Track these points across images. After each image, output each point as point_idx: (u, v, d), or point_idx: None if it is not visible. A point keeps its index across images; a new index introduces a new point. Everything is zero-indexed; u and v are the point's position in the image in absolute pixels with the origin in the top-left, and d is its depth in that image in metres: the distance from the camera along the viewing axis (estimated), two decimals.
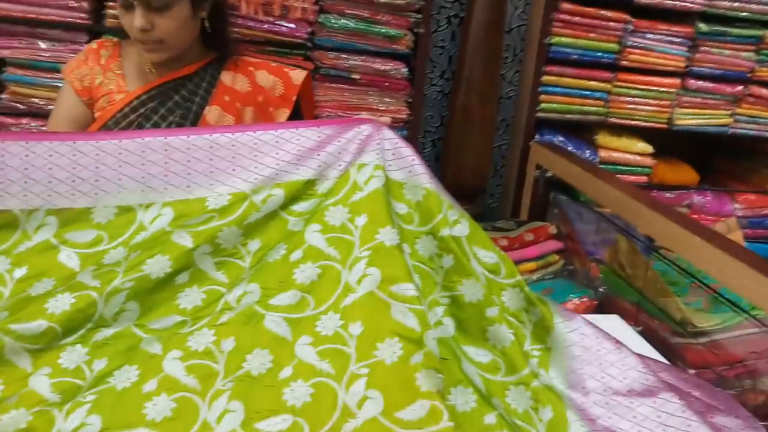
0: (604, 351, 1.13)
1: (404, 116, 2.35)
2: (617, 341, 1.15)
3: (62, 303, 1.02)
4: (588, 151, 2.60)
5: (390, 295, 1.03)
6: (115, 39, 1.50)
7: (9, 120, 2.15)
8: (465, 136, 2.40)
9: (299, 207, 1.16)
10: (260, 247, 1.13)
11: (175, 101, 1.40)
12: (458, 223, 1.18)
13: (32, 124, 2.16)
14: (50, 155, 1.11)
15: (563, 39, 2.42)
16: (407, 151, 1.21)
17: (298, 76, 1.52)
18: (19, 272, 1.08)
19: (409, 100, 2.34)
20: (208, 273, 1.10)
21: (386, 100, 2.33)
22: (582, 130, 2.69)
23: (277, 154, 1.17)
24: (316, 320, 1.04)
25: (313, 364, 0.99)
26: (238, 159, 1.16)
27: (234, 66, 1.49)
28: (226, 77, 1.47)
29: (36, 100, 2.14)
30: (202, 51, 1.48)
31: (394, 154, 1.21)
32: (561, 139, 2.58)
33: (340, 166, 1.19)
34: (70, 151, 1.12)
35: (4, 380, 0.96)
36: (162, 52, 1.36)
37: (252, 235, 1.14)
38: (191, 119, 1.40)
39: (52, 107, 2.15)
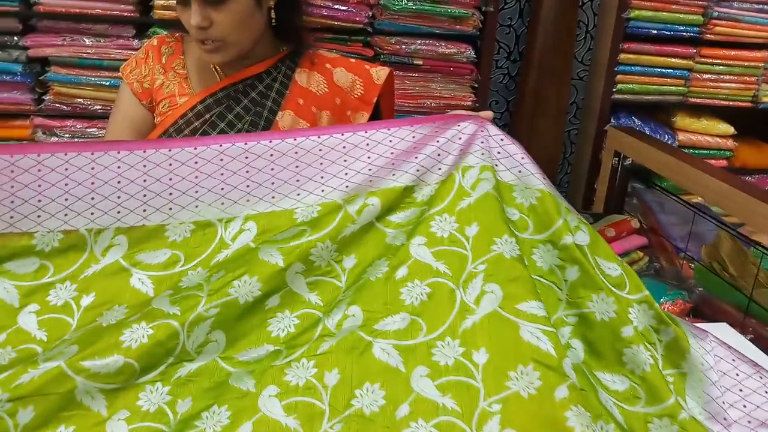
0: (742, 375, 1.01)
1: (469, 103, 2.20)
2: (755, 364, 1.02)
3: (139, 335, 0.90)
4: (666, 134, 2.42)
5: (517, 315, 0.91)
6: (177, 34, 1.35)
7: (53, 123, 2.05)
8: (537, 122, 2.24)
9: (397, 217, 1.03)
10: (356, 263, 1.01)
11: (244, 106, 1.25)
12: (579, 230, 1.04)
13: (77, 126, 2.06)
14: (118, 167, 1.00)
15: (643, 12, 2.24)
16: (515, 149, 1.08)
17: (379, 74, 1.34)
18: (87, 299, 0.96)
19: (475, 85, 2.19)
20: (301, 295, 0.98)
21: (450, 86, 2.18)
22: (657, 112, 2.51)
23: (368, 158, 1.05)
24: (431, 347, 0.91)
25: (434, 399, 0.87)
26: (327, 165, 1.04)
27: (309, 63, 1.32)
28: (300, 77, 1.30)
29: (81, 101, 2.05)
30: (273, 45, 1.30)
31: (500, 153, 1.08)
32: (637, 122, 2.40)
33: (440, 169, 1.06)
34: (141, 162, 1.00)
35: (77, 427, 0.85)
36: (224, 53, 1.19)
37: (347, 251, 1.01)
38: (262, 126, 1.25)
39: (97, 108, 2.07)
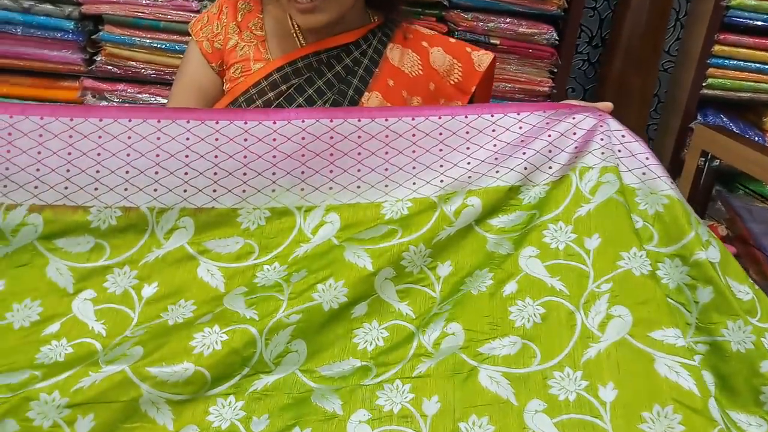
0: None
1: (546, 89, 2.05)
2: None
3: (212, 340, 0.79)
4: (756, 136, 2.25)
5: (650, 345, 0.79)
6: None
7: (104, 86, 1.95)
8: (618, 113, 2.07)
9: (500, 221, 0.91)
10: (453, 271, 0.89)
11: (326, 80, 1.10)
12: (710, 245, 0.90)
13: (128, 90, 1.96)
14: (187, 138, 0.89)
15: (746, 1, 2.05)
16: (638, 147, 0.94)
17: (482, 60, 1.17)
18: (149, 290, 0.86)
19: (554, 69, 2.03)
20: (391, 304, 0.87)
21: (527, 69, 2.03)
22: (745, 112, 2.33)
23: (468, 149, 0.92)
24: (547, 378, 0.79)
25: None
26: (420, 154, 0.92)
27: (403, 38, 1.16)
28: (393, 53, 1.15)
29: (133, 64, 1.94)
30: (363, 13, 1.16)
31: (621, 152, 0.94)
32: (725, 120, 2.23)
33: (551, 168, 0.93)
34: (212, 134, 0.89)
35: None
36: (321, 14, 1.03)
37: (442, 256, 0.90)
38: (346, 106, 1.11)
39: (150, 72, 1.96)
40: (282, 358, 0.81)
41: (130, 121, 0.88)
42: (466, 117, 0.93)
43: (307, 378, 0.81)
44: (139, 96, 1.98)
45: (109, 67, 1.94)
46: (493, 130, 0.92)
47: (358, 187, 0.90)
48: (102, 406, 0.74)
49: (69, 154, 0.87)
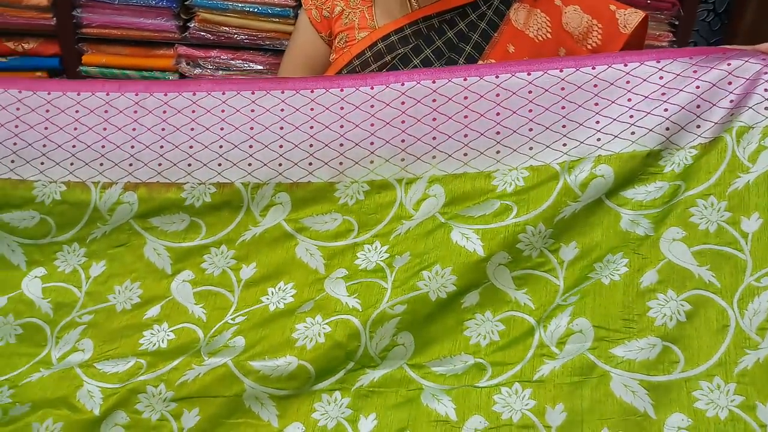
0: None
1: (665, 43, 1.89)
2: None
3: (314, 332, 0.75)
4: None
5: None
6: None
7: (197, 52, 1.94)
8: None
9: (637, 193, 0.80)
10: (579, 255, 0.79)
11: (436, 48, 1.00)
12: None
13: (222, 57, 1.95)
14: (282, 110, 0.84)
15: None
16: None
17: (629, 19, 1.00)
18: (248, 271, 0.83)
19: (675, 22, 1.86)
20: (506, 293, 0.79)
21: None
22: None
23: (596, 105, 0.81)
24: (692, 389, 0.70)
25: None
26: (538, 113, 0.82)
27: None
28: (517, 14, 1.02)
29: (226, 29, 1.91)
30: None
31: None
32: None
33: (699, 127, 0.79)
34: (307, 104, 0.84)
35: None
36: None
37: (566, 237, 0.80)
38: None
39: (242, 37, 1.94)
40: (388, 351, 0.76)
41: (223, 93, 0.85)
42: (593, 68, 0.81)
43: (415, 373, 0.75)
44: (233, 62, 1.96)
45: (203, 34, 1.92)
46: (627, 82, 0.80)
47: (465, 154, 0.82)
48: (206, 400, 0.73)
49: (162, 129, 0.85)
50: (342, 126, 0.84)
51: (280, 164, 0.84)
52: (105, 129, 0.85)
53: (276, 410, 0.74)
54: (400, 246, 0.81)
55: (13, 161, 0.85)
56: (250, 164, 0.84)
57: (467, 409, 0.72)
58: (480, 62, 1.00)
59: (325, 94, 0.84)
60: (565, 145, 0.81)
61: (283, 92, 0.85)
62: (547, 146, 0.81)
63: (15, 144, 0.85)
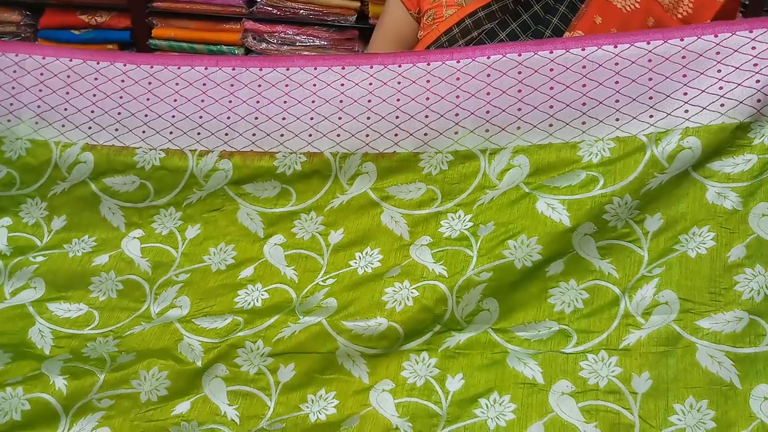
0: None
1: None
2: None
3: (402, 296, 0.79)
4: None
5: None
6: None
7: (264, 27, 2.00)
8: None
9: (723, 166, 0.80)
10: (663, 226, 0.80)
11: (522, 22, 1.02)
12: None
13: (287, 32, 1.99)
14: (370, 83, 0.88)
15: None
16: None
17: None
18: (336, 236, 0.87)
19: None
20: (591, 262, 0.81)
21: None
22: None
23: (683, 77, 0.81)
24: None
25: None
26: (625, 85, 0.82)
27: None
28: None
29: (291, 5, 1.96)
30: None
31: None
32: None
33: None
34: (394, 78, 0.87)
35: (338, 392, 0.77)
36: None
37: (651, 208, 0.81)
38: None
39: (308, 13, 1.98)
40: (474, 316, 0.80)
41: (315, 69, 0.89)
42: (681, 40, 0.81)
43: (500, 337, 0.79)
44: (297, 38, 2.00)
45: (269, 9, 1.97)
46: (717, 53, 0.80)
47: (550, 125, 0.84)
48: (302, 356, 0.77)
49: (257, 102, 0.89)
50: (428, 98, 0.86)
51: (366, 135, 0.87)
52: (203, 101, 0.90)
53: (366, 368, 0.78)
54: (483, 215, 0.83)
55: (116, 129, 0.91)
56: (338, 135, 0.88)
57: (554, 373, 0.75)
58: (566, 34, 1.01)
59: (412, 68, 0.87)
60: (651, 116, 0.82)
61: (371, 67, 0.88)
62: (634, 117, 0.82)
63: (119, 114, 0.91)
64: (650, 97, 0.81)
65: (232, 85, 0.90)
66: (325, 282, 0.83)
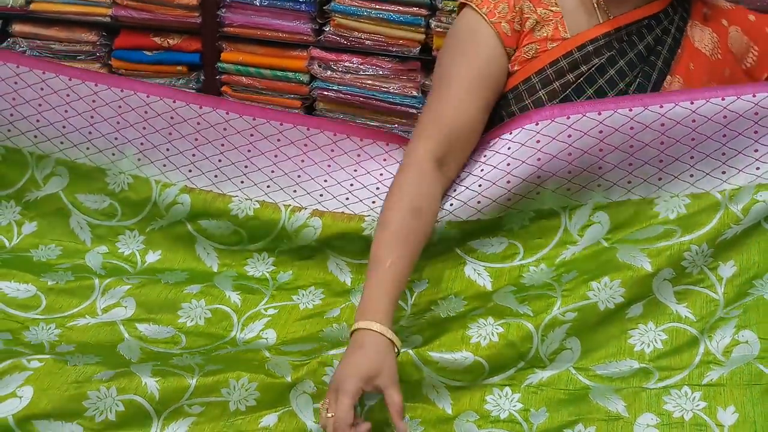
0: None
1: None
2: None
3: (488, 331, 0.83)
4: None
5: None
6: None
7: (330, 56, 2.07)
8: None
9: None
10: (737, 272, 0.86)
11: (629, 60, 0.99)
12: None
13: (353, 61, 2.06)
14: (508, 147, 0.91)
15: None
16: None
17: None
18: (420, 286, 0.92)
19: None
20: (668, 306, 0.86)
21: None
22: None
23: (755, 133, 0.86)
24: None
25: None
26: (699, 141, 0.86)
27: (701, 15, 1.04)
28: (693, 32, 1.03)
29: (359, 35, 2.03)
30: None
31: None
32: None
33: None
34: (535, 137, 0.90)
35: (422, 420, 0.81)
36: None
37: (724, 256, 0.87)
38: (649, 91, 0.99)
39: (374, 43, 2.04)
40: (556, 354, 0.83)
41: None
42: (753, 96, 0.85)
43: (582, 376, 0.82)
44: (361, 67, 2.07)
45: (336, 38, 2.04)
46: None
47: (629, 182, 0.88)
48: None
49: (355, 171, 0.99)
50: (539, 156, 0.89)
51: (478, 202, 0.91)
52: (303, 161, 0.98)
53: (450, 399, 0.82)
54: (566, 267, 0.88)
55: (216, 176, 0.98)
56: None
57: (637, 407, 0.78)
58: (668, 77, 1.01)
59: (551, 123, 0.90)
60: (724, 173, 0.86)
61: (537, 123, 0.90)
62: (707, 174, 0.87)
63: (219, 161, 0.98)
64: (723, 153, 0.86)
65: (332, 150, 0.98)
66: (410, 324, 0.88)
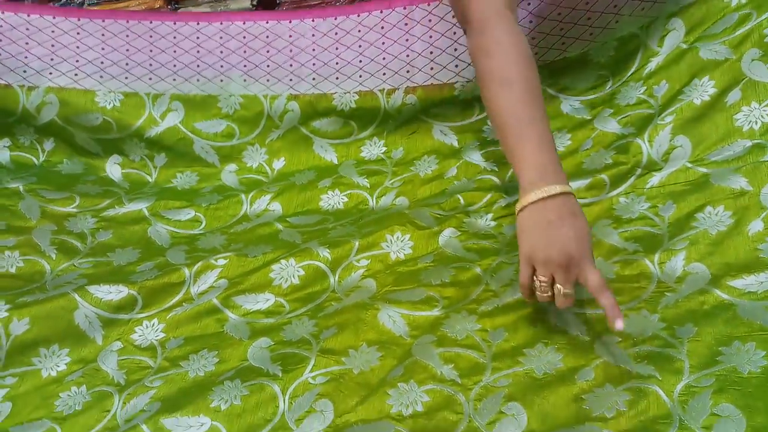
0: None
1: None
2: None
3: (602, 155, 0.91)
4: None
5: None
6: None
7: None
8: None
9: None
10: None
11: None
12: None
13: None
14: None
15: None
16: None
17: None
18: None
19: None
20: (767, 83, 0.88)
21: None
22: None
23: None
24: None
25: None
26: None
27: None
28: None
29: None
30: None
31: None
32: None
33: None
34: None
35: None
36: None
37: None
38: None
39: None
40: (668, 154, 0.89)
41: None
42: None
43: (698, 166, 0.86)
44: None
45: None
46: None
47: None
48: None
49: (430, 37, 1.06)
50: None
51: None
52: (383, 43, 1.08)
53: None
54: (654, 78, 0.96)
55: (314, 79, 1.09)
56: None
57: (760, 179, 0.80)
58: None
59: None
60: None
61: None
62: None
63: (314, 65, 1.10)
64: None
65: (406, 24, 1.07)
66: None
